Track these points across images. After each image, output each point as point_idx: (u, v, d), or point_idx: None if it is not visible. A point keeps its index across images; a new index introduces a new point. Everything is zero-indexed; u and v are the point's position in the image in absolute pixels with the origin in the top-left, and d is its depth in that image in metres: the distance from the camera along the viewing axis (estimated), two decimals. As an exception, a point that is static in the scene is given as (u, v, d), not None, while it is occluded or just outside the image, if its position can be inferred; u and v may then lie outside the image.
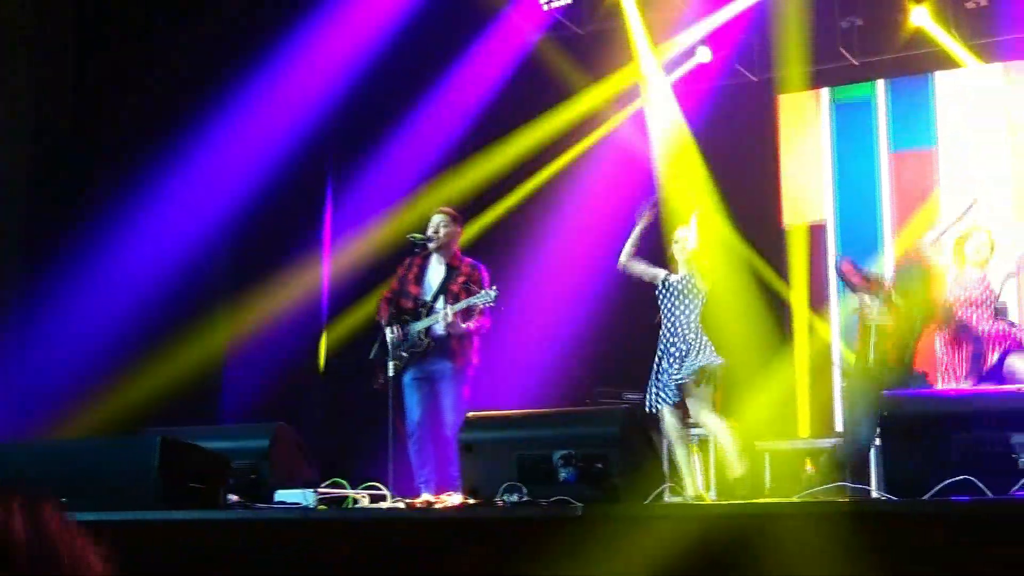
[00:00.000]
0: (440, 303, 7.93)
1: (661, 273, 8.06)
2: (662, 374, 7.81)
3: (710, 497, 8.85)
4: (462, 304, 7.80)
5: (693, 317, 7.83)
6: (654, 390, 7.82)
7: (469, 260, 8.14)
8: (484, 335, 8.07)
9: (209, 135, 8.95)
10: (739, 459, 7.43)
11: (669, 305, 7.91)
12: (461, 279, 8.00)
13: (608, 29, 11.31)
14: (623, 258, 8.10)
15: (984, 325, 8.06)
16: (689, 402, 7.70)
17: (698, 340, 7.73)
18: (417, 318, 7.96)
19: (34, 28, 8.58)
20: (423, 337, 7.90)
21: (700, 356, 7.64)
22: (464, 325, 7.83)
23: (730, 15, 11.04)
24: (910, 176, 11.70)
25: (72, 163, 8.85)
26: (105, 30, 9.05)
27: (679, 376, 7.62)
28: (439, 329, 7.89)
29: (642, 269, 8.09)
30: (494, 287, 7.78)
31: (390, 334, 7.85)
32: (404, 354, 7.85)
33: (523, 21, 11.01)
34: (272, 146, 9.20)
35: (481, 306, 7.80)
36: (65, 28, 8.79)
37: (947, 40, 10.91)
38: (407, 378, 7.93)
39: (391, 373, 7.67)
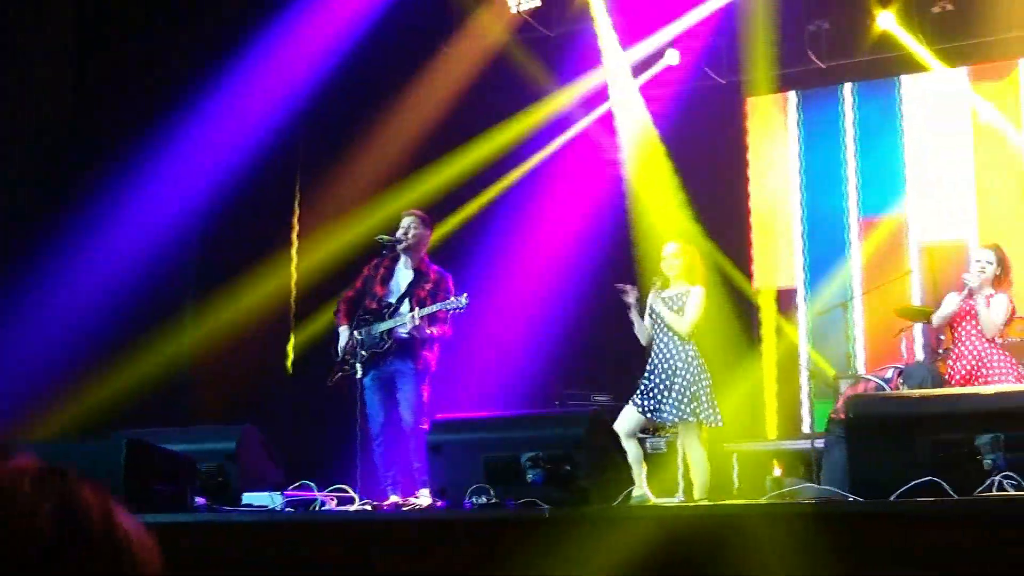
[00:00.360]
0: (405, 306, 7.91)
1: (649, 296, 7.99)
2: (656, 390, 7.71)
3: (677, 498, 8.89)
4: (432, 308, 7.77)
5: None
6: (652, 403, 7.71)
7: (436, 268, 8.11)
8: (446, 342, 8.06)
9: (178, 137, 8.91)
10: (703, 490, 7.48)
11: (660, 322, 7.88)
12: (428, 285, 7.97)
13: (577, 32, 11.32)
14: (642, 339, 8.01)
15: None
16: (682, 427, 7.74)
17: (692, 368, 7.65)
18: (380, 319, 7.93)
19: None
20: (385, 338, 7.87)
21: (702, 404, 7.61)
22: (428, 330, 7.82)
23: (698, 18, 11.07)
24: (876, 180, 11.78)
25: (39, 169, 8.80)
26: (100, 31, 9.02)
27: (680, 415, 7.56)
28: (402, 331, 7.85)
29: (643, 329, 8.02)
30: (465, 294, 7.77)
31: (357, 335, 7.83)
32: (364, 353, 7.75)
33: (492, 23, 11.01)
34: (241, 147, 9.16)
35: (449, 312, 7.80)
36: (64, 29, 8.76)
37: (913, 44, 10.98)
38: (368, 380, 7.85)
39: (359, 375, 7.62)
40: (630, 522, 5.18)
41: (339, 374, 7.85)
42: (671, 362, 7.70)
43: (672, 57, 11.60)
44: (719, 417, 7.70)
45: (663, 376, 7.64)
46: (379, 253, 8.02)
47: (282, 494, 6.37)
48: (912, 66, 11.29)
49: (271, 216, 9.96)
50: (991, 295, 7.96)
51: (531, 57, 11.27)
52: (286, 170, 10.07)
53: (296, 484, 6.53)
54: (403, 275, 8.08)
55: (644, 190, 11.49)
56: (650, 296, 7.95)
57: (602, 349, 11.14)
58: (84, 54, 9.00)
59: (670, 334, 7.77)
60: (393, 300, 7.97)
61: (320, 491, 6.51)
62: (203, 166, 9.01)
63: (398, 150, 10.33)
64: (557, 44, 11.43)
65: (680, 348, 7.74)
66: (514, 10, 10.89)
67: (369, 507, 6.43)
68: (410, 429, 7.72)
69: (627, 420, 7.74)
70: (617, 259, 10.78)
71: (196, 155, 8.94)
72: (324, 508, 6.34)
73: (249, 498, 6.40)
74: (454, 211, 10.75)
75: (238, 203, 9.34)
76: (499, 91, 11.15)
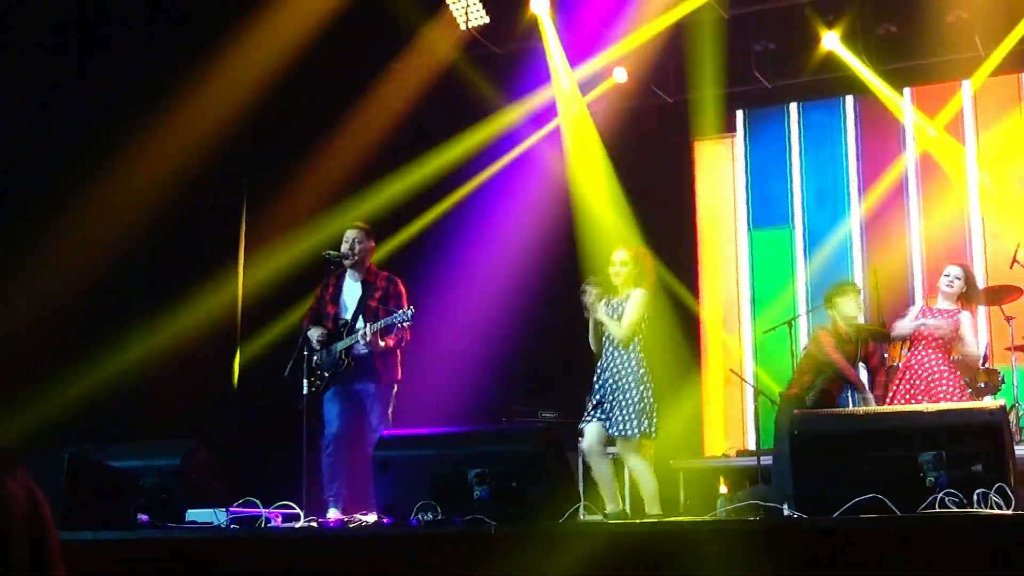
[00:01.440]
0: (360, 322, 7.88)
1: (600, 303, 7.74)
2: (605, 402, 7.50)
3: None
4: (380, 324, 7.74)
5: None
6: (603, 414, 7.49)
7: (385, 273, 8.09)
8: (405, 348, 8.02)
9: (123, 149, 8.83)
10: (654, 502, 7.28)
11: (606, 331, 7.64)
12: (378, 294, 7.94)
13: (526, 49, 11.35)
14: (594, 347, 7.78)
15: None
16: (621, 442, 7.43)
17: (636, 380, 7.43)
18: (338, 338, 7.90)
19: None
20: (344, 357, 7.84)
21: (644, 419, 7.34)
22: (383, 343, 7.79)
23: (646, 38, 11.13)
24: (822, 198, 11.89)
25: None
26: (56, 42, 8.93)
27: (621, 431, 7.34)
28: (360, 348, 7.84)
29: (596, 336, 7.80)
30: (411, 307, 7.74)
31: (316, 359, 7.80)
32: (326, 374, 7.78)
33: (441, 40, 11.01)
34: (188, 160, 9.08)
35: (402, 324, 7.78)
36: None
37: (858, 65, 11.09)
38: (328, 392, 7.84)
39: (304, 391, 7.57)
40: (577, 538, 5.18)
41: (304, 393, 7.71)
42: (615, 374, 7.40)
43: (620, 75, 11.67)
44: (655, 429, 7.46)
45: (609, 389, 7.42)
46: (326, 267, 7.98)
47: (227, 511, 6.31)
48: (857, 86, 11.42)
49: (218, 230, 9.88)
50: (955, 311, 8.06)
51: (480, 74, 11.28)
52: (233, 184, 10.00)
53: (241, 500, 6.47)
54: (352, 290, 8.05)
55: (591, 207, 11.53)
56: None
57: (549, 365, 11.15)
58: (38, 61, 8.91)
59: (615, 343, 7.48)
60: (347, 316, 7.94)
61: (265, 508, 6.46)
62: (150, 179, 8.92)
63: (346, 165, 10.28)
64: (506, 61, 11.45)
65: (624, 358, 7.41)
66: (463, 27, 10.90)
67: (315, 524, 6.39)
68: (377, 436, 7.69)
69: (592, 437, 7.39)
70: (564, 275, 10.78)
71: (142, 168, 8.86)
72: (269, 525, 6.30)
73: (193, 515, 6.34)
74: (402, 227, 10.72)
75: (185, 217, 9.27)
76: (448, 107, 11.15)
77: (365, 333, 7.71)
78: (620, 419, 7.23)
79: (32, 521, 1.97)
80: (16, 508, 1.95)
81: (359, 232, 8.04)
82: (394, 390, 7.94)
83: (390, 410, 7.88)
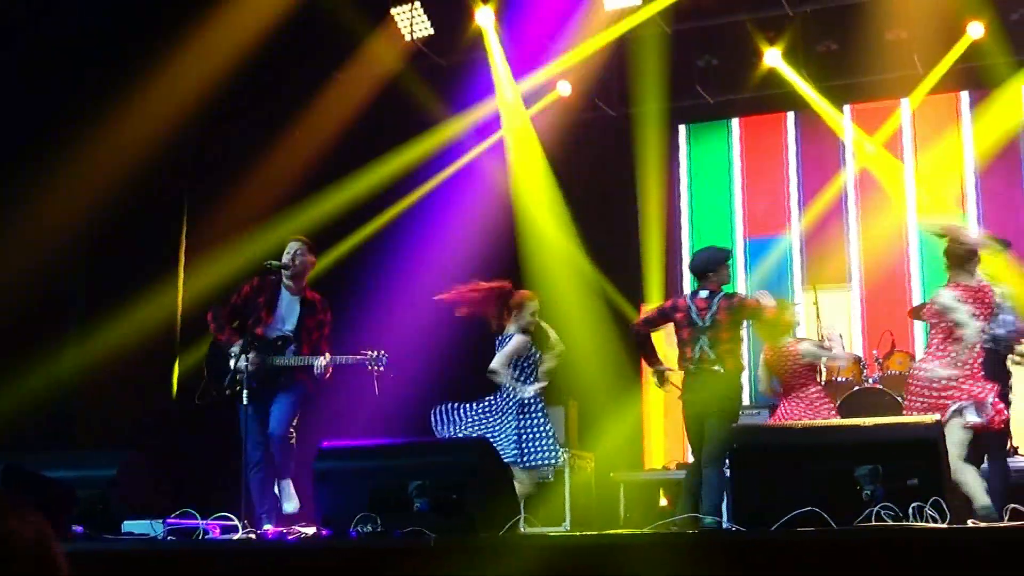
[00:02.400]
0: (318, 361, 7.69)
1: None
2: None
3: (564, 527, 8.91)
4: (349, 359, 7.72)
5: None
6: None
7: (319, 297, 8.05)
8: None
9: (62, 157, 8.75)
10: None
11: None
12: (319, 316, 7.93)
13: (470, 61, 11.36)
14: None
15: None
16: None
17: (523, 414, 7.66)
18: (276, 351, 7.80)
19: None
20: (280, 373, 7.77)
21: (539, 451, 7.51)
22: (328, 373, 7.74)
23: (590, 51, 11.17)
24: (763, 214, 12.00)
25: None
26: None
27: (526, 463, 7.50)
28: (293, 363, 7.78)
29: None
30: (384, 353, 7.72)
31: (244, 361, 7.61)
32: (255, 384, 7.63)
33: (385, 50, 11.00)
34: (128, 166, 9.00)
35: (369, 367, 7.72)
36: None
37: (799, 82, 11.20)
38: (251, 408, 7.63)
39: (244, 402, 7.48)
40: (517, 551, 5.17)
41: (214, 394, 7.71)
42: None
43: (564, 89, 11.71)
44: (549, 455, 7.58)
45: None
46: (266, 277, 7.93)
47: (163, 522, 6.25)
48: (798, 103, 11.53)
49: (158, 237, 9.81)
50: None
51: (424, 85, 11.27)
52: (174, 193, 9.93)
53: (179, 512, 6.41)
54: (289, 303, 7.96)
55: (534, 220, 11.55)
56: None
57: (487, 381, 11.15)
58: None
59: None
60: (286, 330, 7.88)
61: (204, 519, 6.41)
62: (89, 185, 8.84)
63: (288, 174, 10.25)
64: (450, 73, 11.45)
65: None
66: (408, 38, 10.89)
67: (253, 536, 6.35)
68: (278, 436, 7.63)
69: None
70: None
71: (82, 173, 8.78)
72: (207, 537, 6.24)
73: (130, 526, 6.28)
74: (344, 237, 10.70)
75: (125, 224, 9.19)
76: (391, 118, 11.14)
77: (326, 366, 7.65)
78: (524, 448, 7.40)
79: (40, 562, 1.94)
80: (22, 549, 1.92)
81: (302, 245, 7.97)
82: (303, 400, 7.87)
83: (295, 419, 7.79)
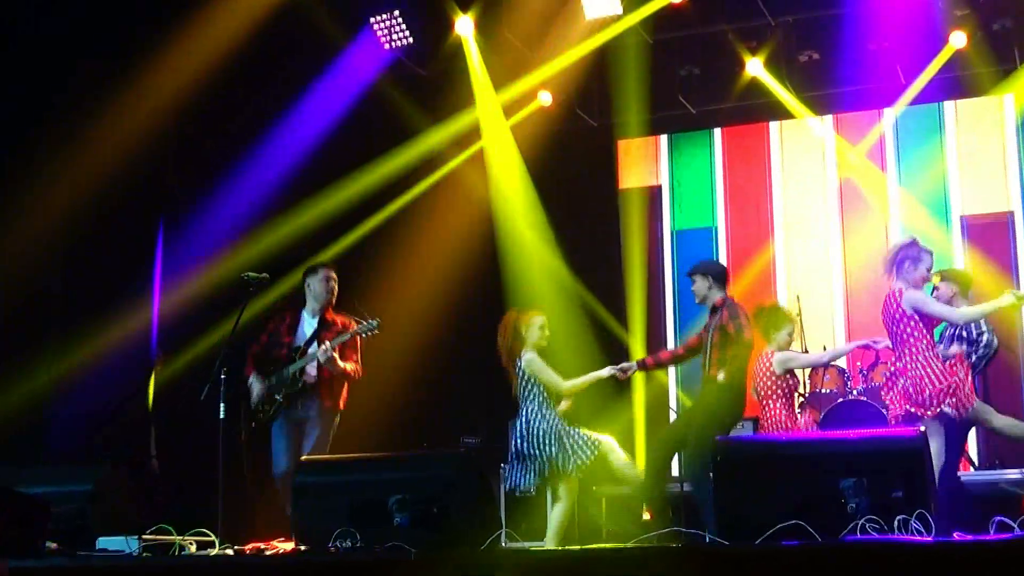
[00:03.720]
0: (313, 347, 7.99)
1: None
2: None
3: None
4: (345, 336, 7.92)
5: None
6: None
7: (340, 317, 8.23)
8: (354, 381, 8.17)
9: (38, 169, 8.71)
10: (556, 537, 7.35)
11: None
12: (336, 328, 8.10)
13: (450, 71, 11.32)
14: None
15: None
16: None
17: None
18: (291, 361, 8.02)
19: None
20: (298, 377, 7.98)
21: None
22: (342, 365, 7.92)
23: (570, 61, 11.17)
24: (746, 224, 12.01)
25: None
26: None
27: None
28: (312, 371, 7.96)
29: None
30: (377, 319, 7.92)
31: (258, 383, 7.99)
32: (279, 398, 7.93)
33: (364, 60, 10.95)
34: (105, 181, 8.96)
35: (363, 337, 7.98)
36: None
37: (782, 91, 11.23)
38: (275, 425, 7.99)
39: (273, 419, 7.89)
40: (498, 566, 5.15)
41: (253, 424, 8.02)
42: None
43: (545, 99, 11.70)
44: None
45: None
46: (245, 290, 7.92)
47: (139, 538, 6.21)
48: (780, 113, 11.56)
49: (134, 252, 9.75)
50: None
51: (404, 95, 11.23)
52: (151, 206, 9.87)
53: (154, 527, 6.37)
54: (308, 323, 8.21)
55: (515, 231, 11.54)
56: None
57: (471, 390, 11.13)
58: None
59: None
60: (299, 344, 8.11)
61: (180, 535, 6.36)
62: (66, 198, 8.80)
63: (264, 188, 10.19)
64: (430, 82, 11.41)
65: None
66: (387, 47, 10.86)
67: (230, 552, 6.31)
68: None
69: None
70: (487, 300, 10.81)
71: (58, 185, 8.74)
72: (183, 553, 6.21)
73: (104, 542, 6.23)
74: (324, 248, 10.64)
75: (101, 236, 9.15)
76: (370, 129, 11.09)
77: (326, 348, 7.84)
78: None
79: None
80: None
81: (336, 278, 8.24)
82: (336, 420, 8.09)
83: (329, 438, 8.00)
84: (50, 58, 9.01)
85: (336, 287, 8.22)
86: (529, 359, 7.50)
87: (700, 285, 8.00)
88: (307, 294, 8.23)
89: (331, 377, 7.99)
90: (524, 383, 7.50)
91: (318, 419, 7.98)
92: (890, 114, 11.52)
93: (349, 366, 8.00)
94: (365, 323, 7.93)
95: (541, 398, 7.48)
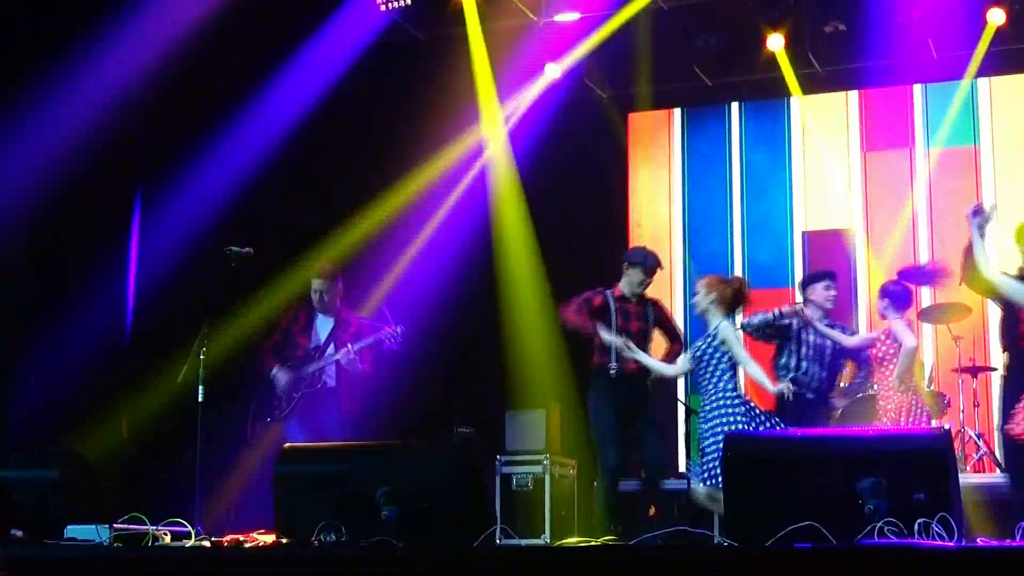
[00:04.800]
0: (331, 349, 8.38)
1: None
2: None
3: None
4: (367, 340, 8.24)
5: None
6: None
7: (354, 314, 8.62)
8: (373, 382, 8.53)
9: (11, 145, 8.69)
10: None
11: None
12: (352, 329, 8.43)
13: (450, 36, 11.23)
14: None
15: None
16: None
17: None
18: (309, 361, 8.39)
19: None
20: (318, 377, 8.35)
21: None
22: (362, 367, 8.28)
23: (581, 32, 11.11)
24: (762, 203, 12.00)
25: None
26: None
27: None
28: (332, 371, 8.32)
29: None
30: (399, 326, 8.21)
31: (284, 375, 8.37)
32: (296, 396, 8.30)
33: (358, 23, 10.85)
34: (78, 159, 8.92)
35: (383, 341, 8.27)
36: None
37: (804, 65, 11.18)
38: (291, 421, 8.34)
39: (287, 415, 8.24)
40: (491, 563, 5.15)
41: (269, 420, 8.40)
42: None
43: (552, 71, 11.61)
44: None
45: None
46: (227, 265, 7.92)
47: (109, 527, 6.20)
48: (802, 88, 11.51)
49: (109, 231, 9.71)
50: None
51: (400, 60, 11.16)
52: (126, 184, 9.82)
53: (126, 516, 6.36)
54: (324, 324, 8.54)
55: (513, 217, 11.50)
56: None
57: (465, 381, 11.17)
58: None
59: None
60: (318, 343, 8.48)
61: (153, 524, 6.35)
62: (39, 178, 8.77)
63: (247, 163, 10.08)
64: (428, 48, 11.34)
65: None
66: (383, 7, 10.77)
67: (207, 544, 6.30)
68: None
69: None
70: (481, 291, 10.87)
71: (32, 165, 8.72)
72: (156, 544, 6.20)
73: (73, 531, 6.23)
74: (319, 241, 10.53)
75: (75, 218, 9.15)
76: (365, 97, 11.06)
77: (349, 350, 8.20)
78: None
79: None
80: None
81: (322, 282, 8.54)
82: (355, 418, 8.47)
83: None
84: (19, 21, 8.97)
85: (328, 296, 8.52)
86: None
87: None
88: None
89: (350, 380, 8.34)
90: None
91: (337, 428, 8.30)
92: (920, 91, 11.51)
93: (368, 367, 8.39)
94: (389, 330, 8.20)
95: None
